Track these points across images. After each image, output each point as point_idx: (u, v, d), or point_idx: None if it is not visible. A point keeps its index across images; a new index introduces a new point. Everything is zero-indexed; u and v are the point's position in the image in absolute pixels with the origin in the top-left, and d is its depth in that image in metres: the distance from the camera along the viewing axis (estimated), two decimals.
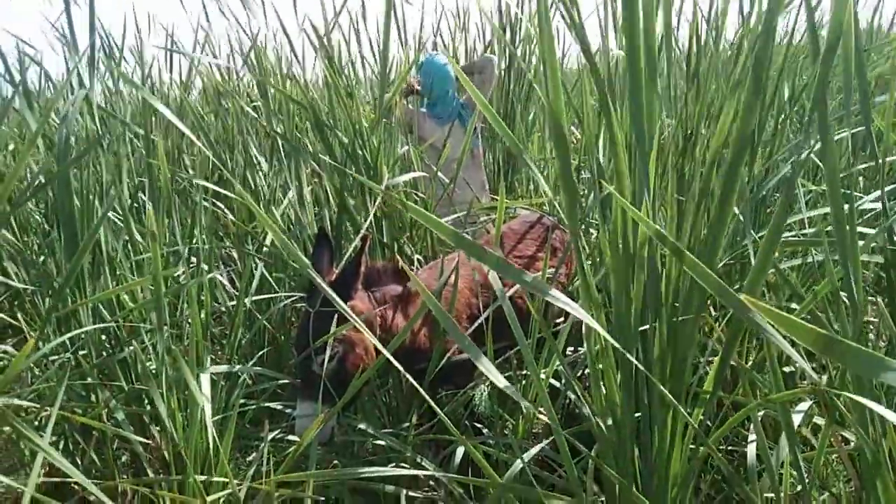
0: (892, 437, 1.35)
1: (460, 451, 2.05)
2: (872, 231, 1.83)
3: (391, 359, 1.44)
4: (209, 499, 1.43)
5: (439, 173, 2.69)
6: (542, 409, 2.10)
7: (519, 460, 1.61)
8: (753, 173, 2.24)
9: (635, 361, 1.24)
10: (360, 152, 2.47)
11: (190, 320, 2.11)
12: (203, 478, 1.56)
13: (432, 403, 1.44)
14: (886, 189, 2.17)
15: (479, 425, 2.42)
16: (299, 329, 2.09)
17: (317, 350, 1.96)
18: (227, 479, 1.47)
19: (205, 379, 1.61)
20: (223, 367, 2.03)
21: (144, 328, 2.16)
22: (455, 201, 3.03)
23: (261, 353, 2.86)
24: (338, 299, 1.44)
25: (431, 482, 2.19)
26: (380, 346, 1.48)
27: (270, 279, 2.82)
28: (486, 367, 1.32)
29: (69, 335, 2.14)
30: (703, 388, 1.43)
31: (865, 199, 2.10)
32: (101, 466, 2.36)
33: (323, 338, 1.88)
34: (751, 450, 1.37)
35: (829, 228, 2.25)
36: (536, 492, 1.50)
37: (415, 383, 1.48)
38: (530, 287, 1.11)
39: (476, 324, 2.27)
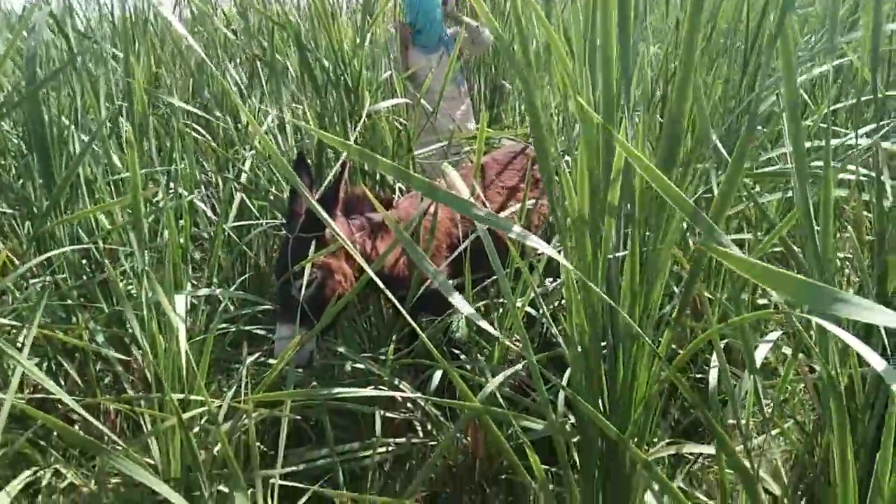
0: (852, 364, 1.39)
1: (437, 375, 2.10)
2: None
3: (376, 279, 1.44)
4: (185, 416, 1.46)
5: (423, 101, 2.65)
6: (517, 337, 2.15)
7: (490, 383, 1.65)
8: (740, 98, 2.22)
9: (596, 288, 1.26)
10: (342, 77, 2.42)
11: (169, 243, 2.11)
12: (181, 396, 1.59)
13: (415, 325, 1.46)
14: (871, 127, 2.16)
15: (456, 351, 2.47)
16: (278, 254, 2.10)
17: (296, 275, 1.97)
18: (203, 398, 1.50)
19: (179, 301, 1.62)
20: (204, 291, 2.04)
21: (124, 251, 2.15)
22: (439, 130, 2.99)
23: (242, 278, 2.87)
24: (322, 212, 1.42)
25: (409, 404, 2.25)
26: (366, 267, 1.48)
27: (252, 206, 2.80)
28: (457, 300, 1.33)
29: (47, 255, 2.13)
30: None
31: (860, 131, 2.09)
32: (83, 388, 2.40)
33: (301, 263, 1.89)
34: (712, 375, 1.41)
35: (817, 163, 2.26)
36: (508, 413, 1.55)
37: (399, 306, 1.49)
38: (486, 222, 1.11)
39: (455, 253, 2.29)
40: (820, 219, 1.23)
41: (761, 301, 2.54)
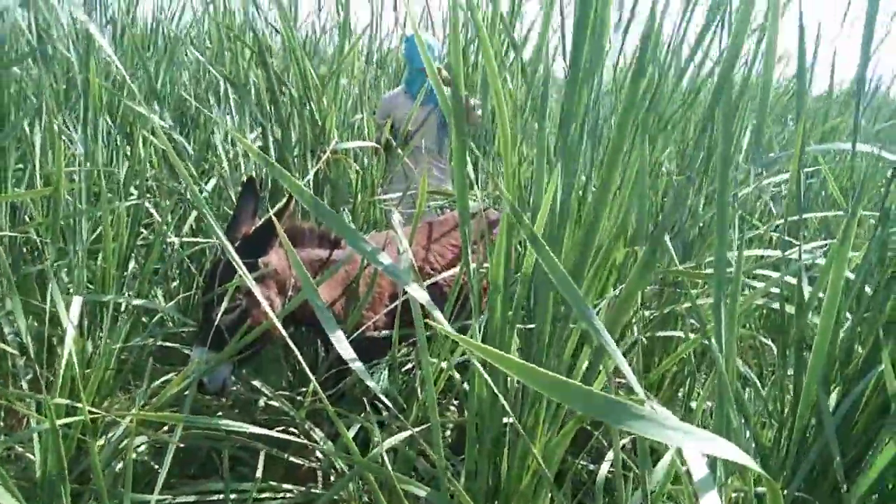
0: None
1: (356, 426, 2.03)
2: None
3: (280, 326, 1.38)
4: (59, 422, 1.40)
5: (399, 150, 2.65)
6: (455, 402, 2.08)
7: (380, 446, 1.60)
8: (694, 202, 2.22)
9: (492, 384, 1.22)
10: (306, 106, 2.41)
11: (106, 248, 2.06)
12: (66, 401, 1.52)
13: (317, 385, 1.40)
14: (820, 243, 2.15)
15: (381, 403, 2.40)
16: (208, 275, 2.06)
17: (220, 298, 1.92)
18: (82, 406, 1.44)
19: (76, 304, 1.56)
20: (114, 297, 1.98)
21: (48, 245, 2.11)
22: (412, 180, 2.99)
23: (188, 293, 2.82)
24: (236, 256, 1.37)
25: (319, 452, 2.16)
26: (269, 310, 1.43)
27: (213, 222, 2.76)
28: (358, 368, 1.30)
29: None
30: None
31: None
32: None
33: (223, 286, 1.85)
34: (603, 468, 1.36)
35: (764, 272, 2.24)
36: (391, 475, 1.48)
37: (298, 353, 1.44)
38: (388, 271, 1.08)
39: (394, 304, 2.24)
40: (724, 328, 1.20)
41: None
